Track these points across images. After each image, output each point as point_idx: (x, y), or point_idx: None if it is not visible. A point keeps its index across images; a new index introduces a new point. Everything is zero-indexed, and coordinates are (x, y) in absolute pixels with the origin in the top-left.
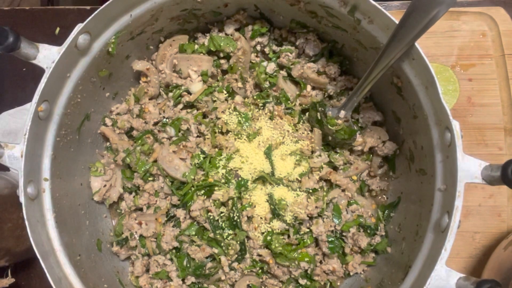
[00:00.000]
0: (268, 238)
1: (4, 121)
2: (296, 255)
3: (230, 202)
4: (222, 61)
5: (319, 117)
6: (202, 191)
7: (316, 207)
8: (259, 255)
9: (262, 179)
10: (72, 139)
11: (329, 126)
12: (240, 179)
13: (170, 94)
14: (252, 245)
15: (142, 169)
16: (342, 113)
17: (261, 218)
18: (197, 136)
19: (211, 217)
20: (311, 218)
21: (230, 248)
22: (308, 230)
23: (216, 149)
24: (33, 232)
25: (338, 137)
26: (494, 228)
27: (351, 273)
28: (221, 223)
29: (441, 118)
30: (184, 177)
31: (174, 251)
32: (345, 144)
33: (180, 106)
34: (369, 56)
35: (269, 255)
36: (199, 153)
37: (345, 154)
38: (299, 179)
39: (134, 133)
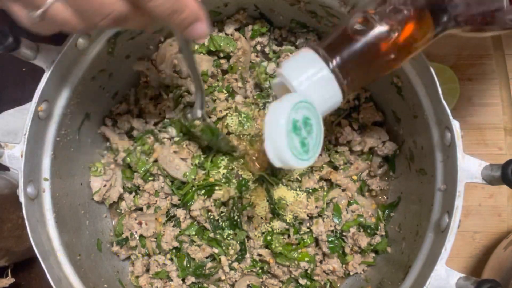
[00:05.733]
0: (268, 238)
1: (4, 121)
2: (296, 255)
3: (230, 202)
4: (222, 61)
5: (184, 122)
6: (203, 191)
7: (316, 206)
8: (259, 255)
9: (262, 179)
10: (72, 139)
11: (192, 130)
12: (241, 179)
13: (171, 95)
14: (252, 245)
15: (143, 169)
16: (199, 112)
17: (261, 217)
18: None
19: (212, 217)
20: (311, 217)
21: (230, 248)
22: (308, 230)
23: None
24: (33, 232)
25: (204, 138)
26: (494, 228)
27: (351, 273)
28: (221, 223)
29: (441, 118)
30: (185, 177)
31: (174, 251)
32: (229, 147)
33: (181, 106)
34: None
35: (269, 255)
36: (200, 153)
37: (346, 154)
38: (299, 178)
39: (134, 133)
